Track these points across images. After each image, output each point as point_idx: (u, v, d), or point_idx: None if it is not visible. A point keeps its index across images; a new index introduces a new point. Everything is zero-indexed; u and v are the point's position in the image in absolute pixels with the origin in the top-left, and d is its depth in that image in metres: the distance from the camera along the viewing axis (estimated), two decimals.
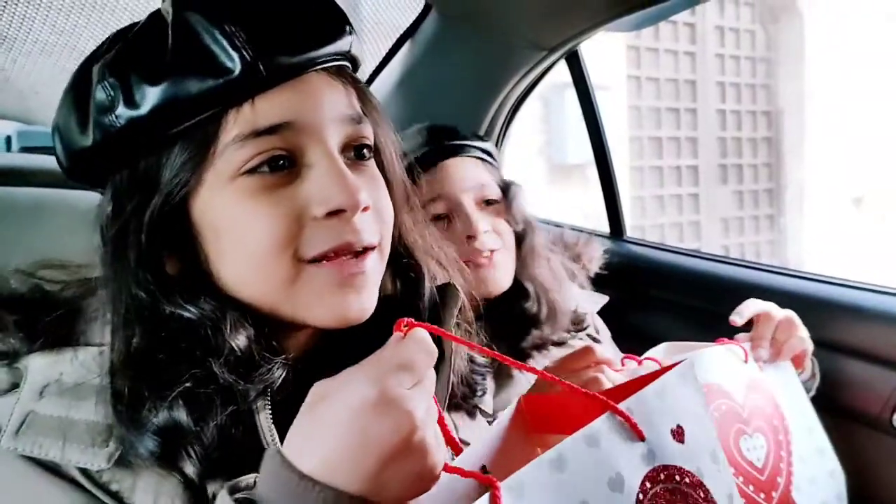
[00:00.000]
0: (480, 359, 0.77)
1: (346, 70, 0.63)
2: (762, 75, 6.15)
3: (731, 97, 5.97)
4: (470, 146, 1.18)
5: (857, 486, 1.13)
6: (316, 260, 0.58)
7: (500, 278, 1.13)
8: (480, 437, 0.49)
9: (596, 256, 1.35)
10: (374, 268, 0.61)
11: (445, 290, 0.70)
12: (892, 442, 1.08)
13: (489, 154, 1.21)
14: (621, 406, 0.49)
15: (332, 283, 0.58)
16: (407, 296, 0.69)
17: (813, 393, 1.04)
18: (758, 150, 6.20)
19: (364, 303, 0.60)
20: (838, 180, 6.07)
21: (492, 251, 1.12)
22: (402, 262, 0.69)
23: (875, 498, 1.11)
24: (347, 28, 0.62)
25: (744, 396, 0.89)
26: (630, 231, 1.69)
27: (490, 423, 0.86)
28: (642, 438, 0.49)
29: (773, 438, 0.89)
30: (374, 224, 0.61)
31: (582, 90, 1.55)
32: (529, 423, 0.55)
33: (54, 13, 1.32)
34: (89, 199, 0.63)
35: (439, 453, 0.46)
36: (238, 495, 0.46)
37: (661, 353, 0.98)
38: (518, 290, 1.17)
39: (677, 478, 0.50)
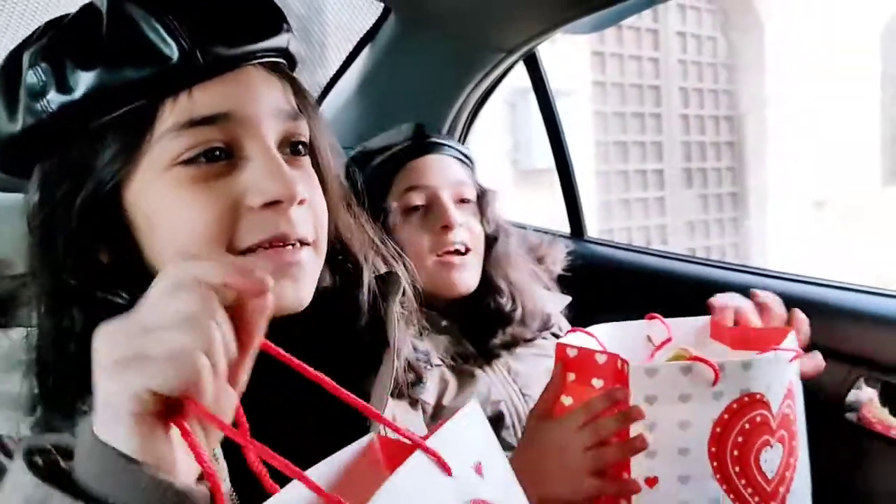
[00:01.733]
0: (420, 345, 0.78)
1: (282, 66, 0.64)
2: (724, 81, 6.26)
3: (695, 102, 6.06)
4: (453, 147, 1.22)
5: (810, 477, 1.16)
6: (250, 250, 0.58)
7: (468, 279, 1.16)
8: (326, 461, 0.47)
9: (559, 258, 1.38)
10: (311, 261, 0.61)
11: (386, 280, 0.71)
12: (843, 432, 1.11)
13: (469, 159, 1.25)
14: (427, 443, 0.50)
15: (267, 271, 0.58)
16: (347, 288, 0.69)
17: None
18: (721, 155, 6.30)
19: (300, 292, 0.60)
20: (800, 184, 6.19)
21: (465, 248, 1.15)
22: (340, 258, 0.70)
23: (827, 487, 1.13)
24: (285, 25, 0.63)
25: (779, 404, 0.84)
26: (598, 235, 1.71)
27: (427, 411, 0.86)
28: (449, 473, 0.49)
29: (789, 445, 0.85)
30: (309, 220, 0.61)
31: (541, 92, 1.57)
32: (384, 461, 0.54)
33: (6, 17, 1.31)
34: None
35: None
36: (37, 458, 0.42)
37: (605, 332, 0.97)
38: (491, 287, 1.19)
39: None
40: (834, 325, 1.15)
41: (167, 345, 0.39)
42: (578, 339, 0.94)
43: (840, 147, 6.04)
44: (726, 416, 0.80)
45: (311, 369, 0.47)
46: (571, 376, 0.85)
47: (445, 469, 0.49)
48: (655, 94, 5.77)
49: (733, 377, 0.80)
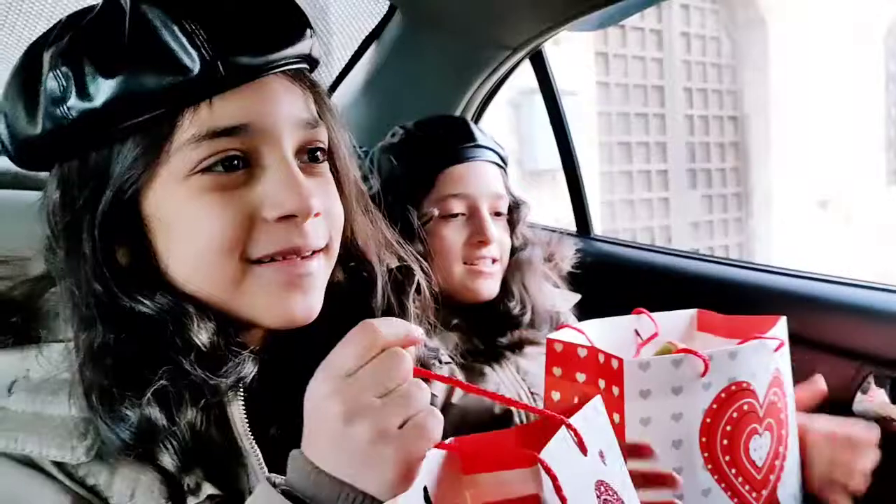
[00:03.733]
0: (430, 341, 0.78)
1: (304, 73, 0.63)
2: (728, 81, 6.25)
3: (699, 103, 6.06)
4: (492, 150, 1.21)
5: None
6: (262, 261, 0.58)
7: (492, 287, 1.17)
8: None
9: (568, 255, 1.37)
10: (321, 269, 0.62)
11: (401, 274, 0.71)
12: None
13: (504, 161, 1.24)
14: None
15: (279, 283, 0.59)
16: (361, 293, 0.69)
17: None
18: (725, 155, 6.29)
19: (310, 303, 0.61)
20: (804, 183, 6.18)
21: (493, 260, 1.16)
22: (355, 261, 0.70)
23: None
24: (308, 31, 0.62)
25: (765, 393, 0.86)
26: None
27: (436, 407, 0.87)
28: (585, 453, 0.54)
29: (777, 434, 0.87)
30: (324, 228, 0.62)
31: (547, 90, 1.57)
32: (461, 463, 0.56)
33: (13, 17, 1.31)
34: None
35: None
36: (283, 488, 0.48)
37: (595, 328, 0.99)
38: (505, 291, 1.19)
39: (610, 493, 0.55)
40: (842, 322, 1.14)
41: (428, 420, 0.47)
42: (568, 335, 0.96)
43: (844, 147, 6.03)
44: (715, 406, 0.82)
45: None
46: (558, 371, 0.87)
47: (583, 448, 0.53)
48: (659, 94, 5.76)
49: (720, 367, 0.82)
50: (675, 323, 1.03)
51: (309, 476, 0.47)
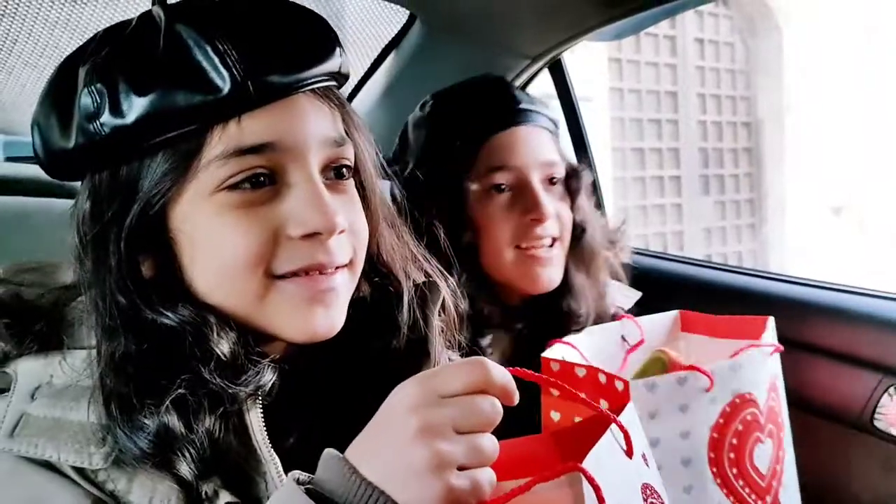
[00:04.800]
0: (457, 357, 0.78)
1: (332, 90, 0.63)
2: (742, 87, 6.23)
3: (712, 108, 6.04)
4: (541, 113, 1.06)
5: (839, 487, 1.15)
6: (285, 276, 0.59)
7: (553, 275, 1.02)
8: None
9: (626, 247, 1.23)
10: (344, 285, 0.62)
11: (427, 288, 0.71)
12: (873, 442, 1.09)
13: (556, 124, 1.10)
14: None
15: (302, 298, 0.59)
16: (386, 307, 0.69)
17: None
18: (739, 161, 6.27)
19: (333, 319, 0.61)
20: (818, 190, 6.14)
21: (553, 240, 1.02)
22: (380, 275, 0.70)
23: (857, 498, 1.12)
24: (338, 49, 0.63)
25: (765, 401, 0.86)
26: None
27: None
28: (630, 456, 0.52)
29: (777, 440, 0.87)
30: (348, 244, 0.62)
31: (565, 99, 1.57)
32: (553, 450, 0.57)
33: (39, 26, 1.32)
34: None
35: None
36: (308, 486, 0.47)
37: (583, 339, 0.97)
38: (568, 286, 1.05)
39: (656, 496, 0.54)
40: (863, 333, 1.14)
41: (484, 479, 0.46)
42: (561, 350, 0.94)
43: (858, 153, 5.99)
44: (721, 421, 0.82)
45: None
46: (556, 390, 0.84)
47: (629, 451, 0.52)
48: (673, 100, 5.75)
49: (724, 380, 0.82)
50: (658, 325, 1.02)
51: (346, 476, 0.45)
